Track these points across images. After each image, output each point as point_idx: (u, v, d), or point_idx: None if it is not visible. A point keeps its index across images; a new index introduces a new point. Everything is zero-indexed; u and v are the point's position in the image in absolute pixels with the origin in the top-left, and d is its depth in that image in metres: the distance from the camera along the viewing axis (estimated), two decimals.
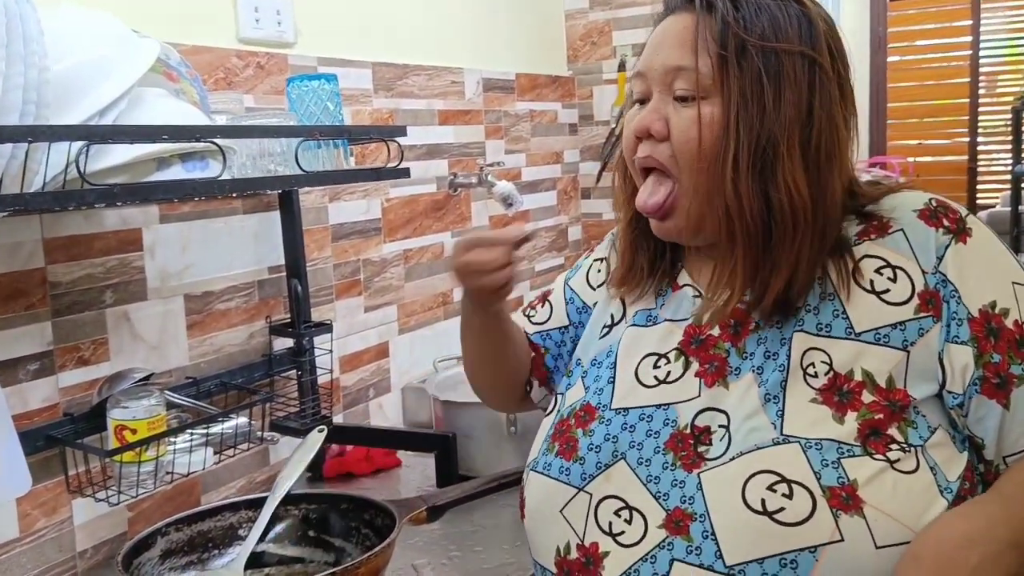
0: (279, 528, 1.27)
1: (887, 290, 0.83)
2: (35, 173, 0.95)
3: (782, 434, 0.81)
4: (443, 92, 2.01)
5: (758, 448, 0.80)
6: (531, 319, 1.10)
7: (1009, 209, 5.09)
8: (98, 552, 1.31)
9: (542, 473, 0.92)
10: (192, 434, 1.29)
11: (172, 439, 1.26)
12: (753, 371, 0.86)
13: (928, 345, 0.82)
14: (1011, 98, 5.86)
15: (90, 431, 1.23)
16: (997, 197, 5.89)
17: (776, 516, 0.76)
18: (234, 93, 1.46)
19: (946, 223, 0.84)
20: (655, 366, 0.91)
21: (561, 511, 0.89)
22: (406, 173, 1.41)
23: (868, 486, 0.76)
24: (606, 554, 0.85)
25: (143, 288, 1.36)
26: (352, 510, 1.27)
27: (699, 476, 0.82)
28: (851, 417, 0.80)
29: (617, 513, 0.85)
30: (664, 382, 0.90)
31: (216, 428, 1.33)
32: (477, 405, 1.53)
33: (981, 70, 6.22)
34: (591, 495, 0.87)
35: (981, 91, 6.23)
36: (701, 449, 0.84)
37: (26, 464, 1.13)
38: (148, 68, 1.05)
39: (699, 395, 0.87)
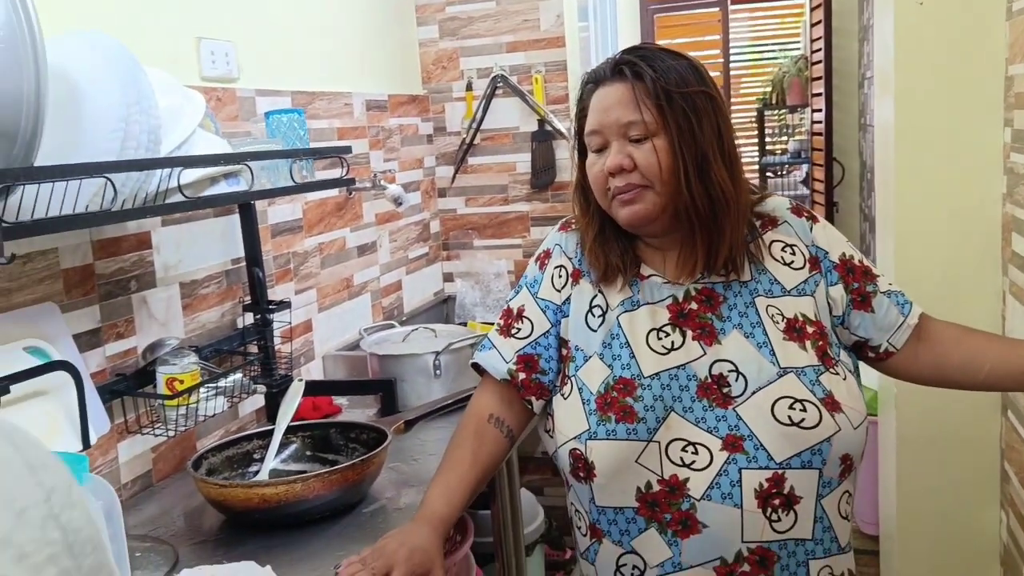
0: (284, 453, 1.70)
1: (791, 262, 1.24)
2: (144, 191, 1.34)
3: (781, 367, 1.16)
4: (339, 113, 2.44)
5: (770, 382, 1.15)
6: (517, 335, 1.29)
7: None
8: (135, 484, 1.67)
9: (608, 439, 1.16)
10: (211, 386, 1.68)
11: (200, 389, 1.65)
12: (736, 328, 1.19)
13: (821, 290, 1.23)
14: (754, 98, 6.95)
15: (138, 387, 1.60)
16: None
17: (801, 424, 1.12)
18: None
19: (805, 215, 1.28)
20: (658, 338, 1.20)
21: (637, 460, 1.15)
22: (352, 182, 1.86)
23: (837, 392, 1.15)
24: (686, 480, 1.13)
25: (153, 278, 1.72)
26: (340, 432, 1.71)
27: (735, 410, 1.14)
28: (809, 345, 1.18)
29: (684, 450, 1.14)
30: (673, 349, 1.19)
31: (224, 382, 1.72)
32: (408, 356, 2.02)
33: (731, 74, 7.28)
34: (660, 443, 1.15)
35: (730, 93, 7.28)
36: (725, 391, 1.15)
37: (104, 411, 1.50)
38: (204, 113, 1.45)
39: (704, 353, 1.18)
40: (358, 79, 2.59)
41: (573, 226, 1.35)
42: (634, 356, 1.20)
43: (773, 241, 1.26)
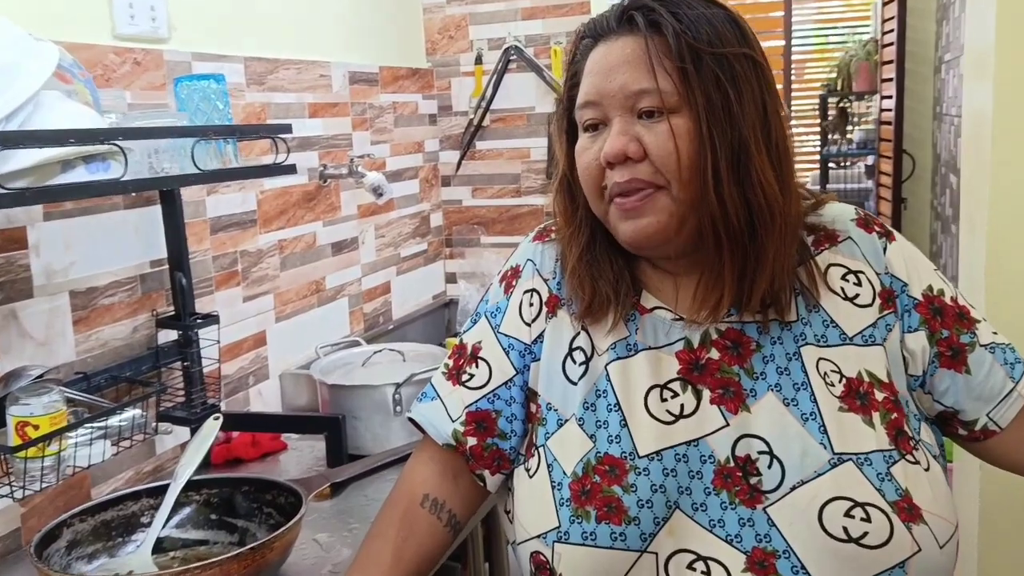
0: (182, 514, 1.33)
1: (856, 295, 0.89)
2: None
3: (834, 452, 0.82)
4: (312, 86, 2.06)
5: (819, 474, 0.81)
6: (469, 384, 0.97)
7: (818, 188, 5.64)
8: None
9: (584, 544, 0.84)
10: (90, 427, 1.32)
11: (70, 434, 1.28)
12: (772, 390, 0.86)
13: (894, 338, 0.88)
14: (819, 85, 6.44)
15: None
16: (807, 177, 6.46)
17: (862, 541, 0.78)
18: (115, 90, 1.47)
19: (877, 228, 0.92)
20: (662, 399, 0.88)
21: None
22: (292, 169, 1.48)
23: (916, 492, 0.81)
24: None
25: (29, 286, 1.36)
26: (254, 492, 1.34)
27: (766, 512, 0.81)
28: (877, 419, 0.84)
29: (691, 567, 0.82)
30: (681, 416, 0.86)
31: (112, 421, 1.36)
32: (362, 387, 1.64)
33: (792, 58, 6.77)
34: (657, 555, 0.83)
35: (792, 78, 6.78)
36: (753, 481, 0.83)
37: None
38: (51, 74, 1.08)
39: (727, 424, 0.85)
40: (341, 48, 2.20)
41: (553, 235, 1.01)
42: (626, 424, 0.87)
43: (831, 265, 0.91)
